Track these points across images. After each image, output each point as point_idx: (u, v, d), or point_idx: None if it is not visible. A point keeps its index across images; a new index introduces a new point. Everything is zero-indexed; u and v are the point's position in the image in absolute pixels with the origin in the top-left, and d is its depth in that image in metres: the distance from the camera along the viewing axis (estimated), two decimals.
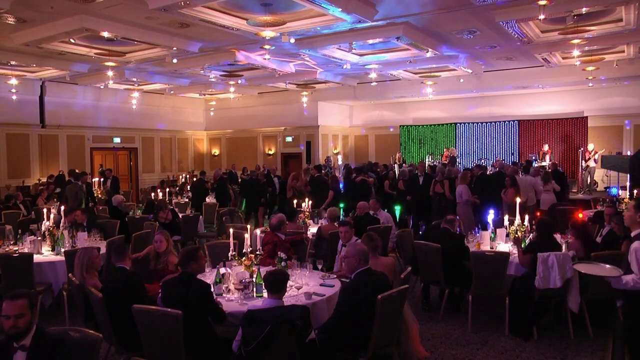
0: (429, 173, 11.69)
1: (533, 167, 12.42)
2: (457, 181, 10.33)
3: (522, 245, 5.69)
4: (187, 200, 12.75)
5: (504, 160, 16.89)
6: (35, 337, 3.01)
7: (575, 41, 10.73)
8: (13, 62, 12.38)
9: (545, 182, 10.50)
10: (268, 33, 9.43)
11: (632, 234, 4.02)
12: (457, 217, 7.47)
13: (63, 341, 3.13)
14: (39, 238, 6.73)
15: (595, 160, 15.42)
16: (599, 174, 16.29)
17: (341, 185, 11.78)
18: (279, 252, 5.39)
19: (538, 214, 8.71)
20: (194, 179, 14.74)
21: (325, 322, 4.09)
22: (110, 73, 13.21)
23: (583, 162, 15.42)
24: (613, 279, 3.86)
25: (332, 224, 7.43)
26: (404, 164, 17.26)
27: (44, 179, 15.27)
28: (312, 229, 7.88)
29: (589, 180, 15.38)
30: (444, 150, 18.48)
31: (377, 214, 8.26)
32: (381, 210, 8.64)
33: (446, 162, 16.25)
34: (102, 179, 14.21)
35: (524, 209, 7.47)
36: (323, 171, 13.90)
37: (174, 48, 10.92)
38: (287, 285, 4.37)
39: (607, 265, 4.05)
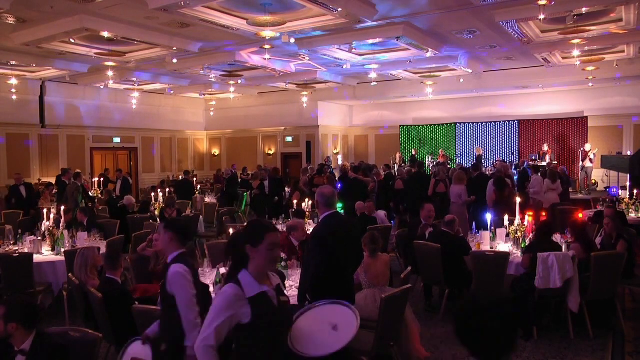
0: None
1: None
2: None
3: (522, 246, 5.68)
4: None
5: (504, 160, 16.90)
6: (35, 341, 2.98)
7: (575, 41, 10.74)
8: (13, 62, 12.38)
9: (552, 181, 10.49)
10: (268, 33, 9.44)
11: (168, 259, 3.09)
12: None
13: (63, 345, 3.11)
14: (39, 238, 6.73)
15: (590, 160, 15.42)
16: (599, 174, 16.29)
17: (339, 185, 11.70)
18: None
19: (543, 213, 8.69)
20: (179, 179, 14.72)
21: (302, 274, 3.86)
22: (110, 73, 13.21)
23: (581, 162, 15.46)
24: None
25: None
26: (404, 164, 17.24)
27: (44, 179, 15.25)
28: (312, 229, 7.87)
29: (586, 181, 15.40)
30: (440, 151, 18.49)
31: (374, 215, 8.28)
32: (377, 210, 8.66)
33: (442, 161, 16.25)
34: (102, 179, 14.19)
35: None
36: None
37: (174, 48, 10.92)
38: (287, 285, 4.37)
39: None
